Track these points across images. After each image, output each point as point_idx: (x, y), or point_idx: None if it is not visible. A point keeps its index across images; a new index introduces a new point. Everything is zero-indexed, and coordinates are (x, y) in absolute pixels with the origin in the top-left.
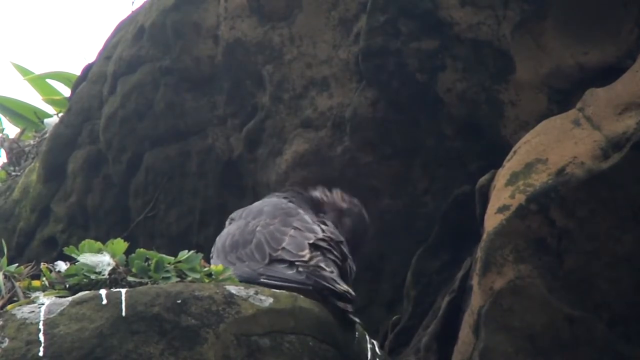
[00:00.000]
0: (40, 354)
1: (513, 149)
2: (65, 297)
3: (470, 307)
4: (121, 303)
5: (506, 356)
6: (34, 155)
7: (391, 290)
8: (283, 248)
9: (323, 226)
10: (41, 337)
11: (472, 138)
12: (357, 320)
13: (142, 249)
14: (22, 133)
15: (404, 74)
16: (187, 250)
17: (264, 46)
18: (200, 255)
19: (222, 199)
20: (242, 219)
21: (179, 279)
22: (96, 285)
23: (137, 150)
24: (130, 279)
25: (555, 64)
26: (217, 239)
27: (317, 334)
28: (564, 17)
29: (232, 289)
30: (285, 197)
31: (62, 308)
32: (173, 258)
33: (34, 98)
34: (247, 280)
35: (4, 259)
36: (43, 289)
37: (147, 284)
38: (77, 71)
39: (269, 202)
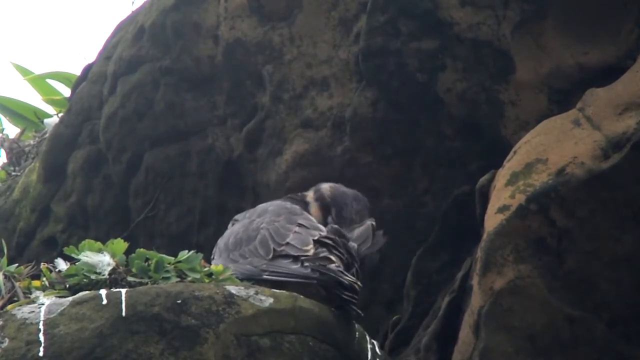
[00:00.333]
0: (40, 354)
1: (513, 149)
2: (65, 297)
3: (470, 307)
4: (121, 303)
5: (506, 356)
6: (34, 155)
7: (391, 290)
8: (287, 243)
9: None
10: (41, 337)
11: (472, 138)
12: (360, 313)
13: (142, 249)
14: (22, 133)
15: (404, 74)
16: (187, 250)
17: (264, 46)
18: (200, 255)
19: (222, 199)
20: (247, 219)
21: (179, 279)
22: (96, 285)
23: (137, 150)
24: (130, 279)
25: (555, 64)
26: (220, 239)
27: (317, 334)
28: (564, 17)
29: (232, 289)
30: (287, 201)
31: (62, 308)
32: (173, 258)
33: (34, 98)
34: (250, 278)
35: (4, 259)
36: (43, 289)
37: (147, 284)
38: (77, 71)
39: (273, 203)
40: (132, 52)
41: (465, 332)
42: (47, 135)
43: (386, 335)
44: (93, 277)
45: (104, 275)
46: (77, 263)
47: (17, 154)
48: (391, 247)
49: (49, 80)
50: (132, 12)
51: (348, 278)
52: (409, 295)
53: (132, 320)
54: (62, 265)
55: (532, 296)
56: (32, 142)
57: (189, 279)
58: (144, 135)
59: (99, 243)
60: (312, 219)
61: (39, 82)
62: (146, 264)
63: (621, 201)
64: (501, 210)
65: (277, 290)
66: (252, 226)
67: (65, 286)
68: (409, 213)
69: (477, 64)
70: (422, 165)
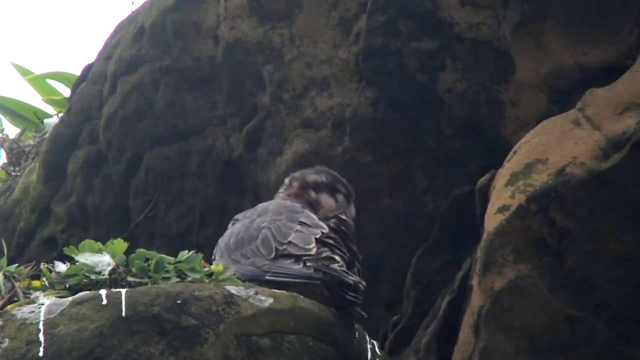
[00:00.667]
0: (40, 354)
1: (513, 149)
2: (65, 297)
3: (470, 307)
4: (121, 303)
5: (506, 356)
6: (34, 156)
7: (391, 290)
8: (289, 242)
9: (333, 219)
10: (41, 337)
11: (472, 138)
12: (363, 314)
13: (142, 249)
14: (22, 133)
15: (404, 74)
16: (187, 251)
17: (264, 46)
18: (200, 255)
19: (222, 199)
20: (247, 218)
21: (179, 279)
22: (96, 285)
23: (137, 150)
24: (130, 279)
25: (555, 64)
26: (220, 239)
27: (317, 334)
28: (564, 17)
29: (232, 289)
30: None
31: (62, 308)
32: (173, 258)
33: (34, 98)
34: (252, 279)
35: (4, 259)
36: (43, 289)
37: (147, 284)
38: (77, 71)
39: (273, 203)
40: (132, 52)
41: (465, 332)
42: (47, 135)
43: (386, 335)
44: (93, 277)
45: (104, 275)
46: (77, 263)
47: (17, 154)
48: (391, 247)
49: (49, 81)
50: (132, 12)
51: (352, 278)
52: (409, 295)
53: (132, 320)
54: (62, 265)
55: (532, 296)
56: (32, 142)
57: (189, 279)
58: (144, 135)
59: (99, 243)
60: (314, 216)
61: (39, 82)
62: (146, 264)
63: (621, 201)
64: (501, 210)
65: (277, 291)
66: (253, 225)
67: (65, 286)
68: (409, 213)
69: (477, 64)
70: (422, 165)
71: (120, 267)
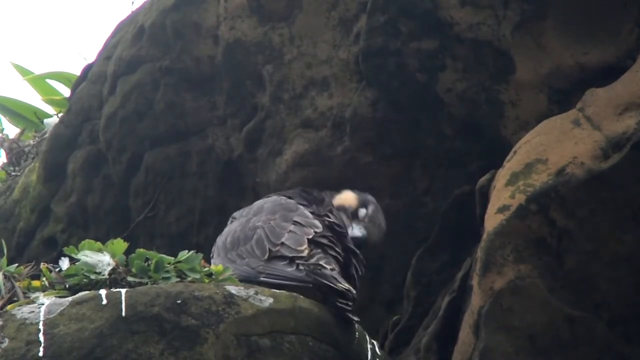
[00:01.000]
0: (40, 354)
1: (513, 149)
2: (65, 297)
3: (470, 307)
4: (121, 303)
5: (506, 356)
6: (34, 155)
7: (391, 290)
8: (282, 243)
9: (327, 218)
10: (41, 337)
11: (472, 138)
12: (355, 319)
13: (142, 249)
14: (22, 133)
15: (404, 74)
16: (187, 251)
17: (264, 46)
18: (200, 255)
19: (222, 199)
20: (244, 217)
21: (179, 279)
22: (96, 285)
23: (137, 150)
24: (130, 279)
25: (555, 64)
26: (218, 238)
27: (317, 334)
28: (564, 17)
29: (232, 289)
30: (285, 196)
31: (62, 308)
32: (173, 258)
33: (33, 98)
34: (247, 280)
35: (4, 259)
36: (43, 289)
37: (147, 284)
38: (77, 71)
39: (269, 200)
40: (132, 52)
41: (465, 332)
42: (47, 135)
43: (386, 335)
44: (93, 277)
45: (103, 275)
46: (77, 263)
47: (17, 154)
48: (391, 247)
49: (48, 81)
50: (132, 12)
51: (341, 285)
52: (409, 295)
53: (132, 320)
54: (66, 261)
55: (532, 296)
56: (32, 142)
57: (189, 279)
58: (144, 135)
59: (98, 243)
60: (308, 214)
61: (38, 82)
62: (146, 264)
63: (621, 201)
64: (501, 210)
65: (277, 291)
66: (249, 225)
67: (65, 286)
68: (409, 213)
69: (477, 64)
70: (422, 165)
71: (120, 267)
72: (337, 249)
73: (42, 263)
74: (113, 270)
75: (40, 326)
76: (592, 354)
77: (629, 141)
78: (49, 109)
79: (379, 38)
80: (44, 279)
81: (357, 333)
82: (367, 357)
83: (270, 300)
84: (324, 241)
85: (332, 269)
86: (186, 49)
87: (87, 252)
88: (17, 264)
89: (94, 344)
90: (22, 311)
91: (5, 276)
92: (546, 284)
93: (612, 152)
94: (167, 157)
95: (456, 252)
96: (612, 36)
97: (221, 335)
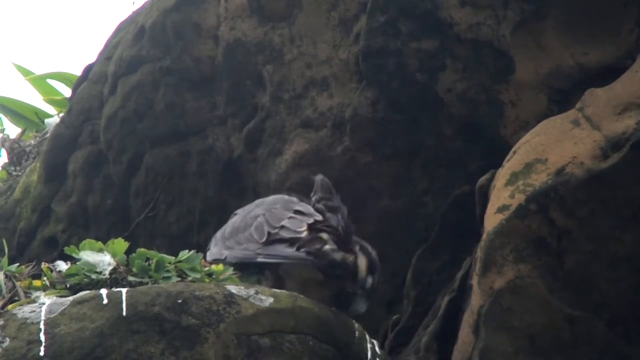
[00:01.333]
0: (41, 353)
1: (513, 149)
2: (66, 296)
3: (470, 307)
4: (122, 303)
5: (506, 356)
6: (35, 155)
7: (391, 290)
8: (282, 226)
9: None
10: (42, 336)
11: (472, 138)
12: (358, 291)
13: (142, 249)
14: (23, 133)
15: (404, 74)
16: (187, 250)
17: (264, 46)
18: (201, 255)
19: (222, 199)
20: (245, 210)
21: (179, 279)
22: (97, 284)
23: (138, 150)
24: (130, 278)
25: (555, 64)
26: (216, 232)
27: (317, 333)
28: (564, 17)
29: (233, 288)
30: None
31: (62, 308)
32: (173, 258)
33: (34, 98)
34: (244, 261)
35: (5, 259)
36: (44, 288)
37: (147, 283)
38: (78, 71)
39: (271, 196)
40: (133, 52)
41: (465, 332)
42: (47, 135)
43: (386, 335)
44: (94, 276)
45: (104, 274)
46: (77, 263)
47: (18, 154)
48: (391, 247)
49: (49, 81)
50: (133, 12)
51: (339, 254)
52: (409, 295)
53: (133, 319)
54: (62, 264)
55: (532, 296)
56: (32, 142)
57: (190, 278)
58: (144, 135)
59: (99, 243)
60: (310, 207)
61: (39, 82)
62: (147, 263)
63: (621, 201)
64: (501, 210)
65: (278, 290)
66: (250, 215)
67: (66, 286)
68: (409, 213)
69: (477, 64)
70: (422, 165)
71: (121, 267)
72: (337, 234)
73: (43, 263)
74: (114, 270)
75: (41, 326)
76: (592, 354)
77: (628, 141)
78: (49, 109)
79: (379, 38)
80: (45, 278)
81: (357, 333)
82: (367, 357)
83: (271, 299)
84: (325, 228)
85: (332, 248)
86: (186, 49)
87: (88, 252)
88: (18, 264)
89: (94, 343)
90: (23, 311)
91: (6, 276)
92: (546, 284)
93: (611, 152)
94: (167, 157)
95: (456, 252)
96: (612, 36)
97: (221, 334)
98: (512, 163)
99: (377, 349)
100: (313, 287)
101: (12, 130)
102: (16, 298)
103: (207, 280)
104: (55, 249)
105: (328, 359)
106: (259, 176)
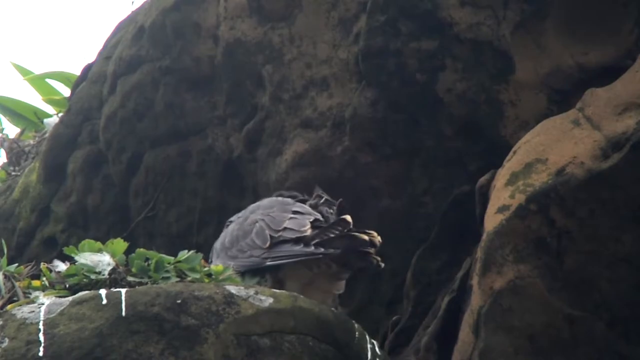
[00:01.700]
0: (40, 353)
1: (513, 149)
2: (65, 297)
3: (470, 307)
4: (121, 303)
5: (506, 356)
6: (34, 155)
7: (391, 290)
8: (285, 228)
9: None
10: (41, 337)
11: (472, 138)
12: (381, 262)
13: (142, 249)
14: (22, 133)
15: (404, 74)
16: (187, 250)
17: (264, 46)
18: (200, 255)
19: (222, 199)
20: (241, 217)
21: (178, 279)
22: (96, 285)
23: (137, 150)
24: (130, 278)
25: (555, 64)
26: (215, 243)
27: (317, 334)
28: (564, 17)
29: (232, 289)
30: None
31: (62, 308)
32: (173, 258)
33: (34, 98)
34: (252, 269)
35: (4, 259)
36: (43, 288)
37: (147, 283)
38: (77, 71)
39: (265, 200)
40: (132, 52)
41: (465, 332)
42: (47, 135)
43: (386, 335)
44: (93, 277)
45: (104, 275)
46: (77, 263)
47: (17, 153)
48: (391, 247)
49: (48, 80)
50: (132, 12)
51: (362, 231)
52: (409, 295)
53: (132, 320)
54: (61, 264)
55: (532, 296)
56: (32, 142)
57: (189, 278)
58: (144, 135)
59: (99, 243)
60: (306, 207)
61: (38, 82)
62: (146, 263)
63: (621, 201)
64: (501, 210)
65: (277, 290)
66: (247, 222)
67: (65, 286)
68: (409, 213)
69: (477, 64)
70: (422, 165)
71: (120, 267)
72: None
73: (42, 263)
74: (113, 270)
75: (41, 326)
76: (592, 354)
77: (628, 141)
78: (49, 108)
79: (379, 38)
80: (44, 278)
81: (357, 333)
82: (367, 357)
83: (270, 300)
84: (326, 226)
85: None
86: (186, 49)
87: (87, 252)
88: (17, 264)
89: (94, 343)
90: (22, 311)
91: (5, 276)
92: (546, 284)
93: (611, 152)
94: (167, 157)
95: (456, 252)
96: (612, 36)
97: (221, 335)
98: (512, 163)
99: (377, 349)
100: (314, 289)
101: (11, 130)
102: (15, 298)
103: (206, 280)
104: (55, 249)
105: (328, 359)
106: (258, 176)
